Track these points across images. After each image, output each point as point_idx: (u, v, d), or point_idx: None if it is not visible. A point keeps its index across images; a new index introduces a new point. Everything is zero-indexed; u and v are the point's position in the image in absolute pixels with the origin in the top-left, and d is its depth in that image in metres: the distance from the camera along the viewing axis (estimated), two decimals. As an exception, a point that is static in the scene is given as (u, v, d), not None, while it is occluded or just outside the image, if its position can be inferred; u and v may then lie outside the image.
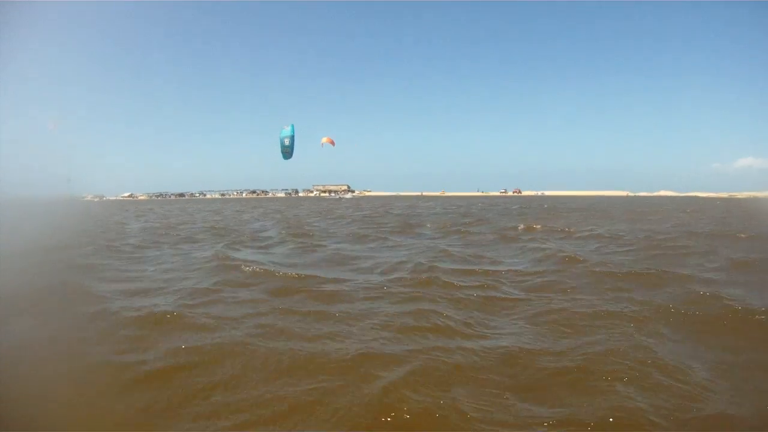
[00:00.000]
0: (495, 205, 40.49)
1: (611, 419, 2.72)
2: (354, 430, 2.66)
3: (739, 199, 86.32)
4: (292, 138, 15.50)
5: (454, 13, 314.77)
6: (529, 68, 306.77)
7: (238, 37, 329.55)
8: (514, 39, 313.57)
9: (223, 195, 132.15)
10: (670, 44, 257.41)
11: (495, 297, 5.63)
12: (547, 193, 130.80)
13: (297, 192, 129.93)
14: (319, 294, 5.87)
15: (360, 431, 2.65)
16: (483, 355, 3.69)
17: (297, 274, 6.94)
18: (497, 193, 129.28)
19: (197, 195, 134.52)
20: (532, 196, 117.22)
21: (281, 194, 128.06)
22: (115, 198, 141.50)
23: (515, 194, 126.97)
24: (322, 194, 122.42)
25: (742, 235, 12.75)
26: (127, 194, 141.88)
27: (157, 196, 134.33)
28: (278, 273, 7.04)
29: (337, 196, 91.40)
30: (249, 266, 7.46)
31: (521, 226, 15.74)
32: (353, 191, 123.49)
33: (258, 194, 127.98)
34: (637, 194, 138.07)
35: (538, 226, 15.57)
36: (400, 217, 23.12)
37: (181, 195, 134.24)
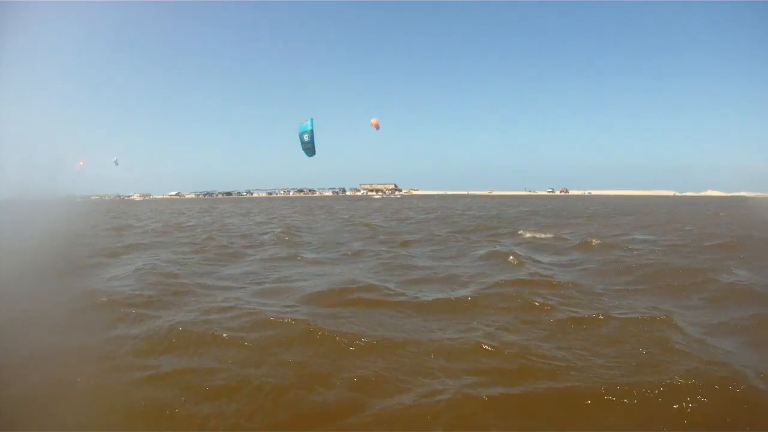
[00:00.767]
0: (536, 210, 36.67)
1: None
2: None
3: None
4: (311, 133, 14.60)
5: (506, 11, 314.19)
6: (581, 67, 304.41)
7: (291, 34, 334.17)
8: (567, 38, 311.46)
9: (270, 194, 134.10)
10: (717, 43, 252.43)
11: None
12: (594, 192, 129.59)
13: (344, 191, 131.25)
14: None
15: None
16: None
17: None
18: (544, 192, 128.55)
19: (244, 194, 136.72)
20: (578, 195, 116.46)
21: (328, 193, 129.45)
22: (161, 197, 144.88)
23: (562, 194, 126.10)
24: (370, 193, 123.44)
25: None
26: (174, 193, 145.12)
27: (205, 195, 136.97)
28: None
29: (388, 196, 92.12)
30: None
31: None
32: (400, 190, 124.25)
33: (305, 193, 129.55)
34: (684, 194, 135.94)
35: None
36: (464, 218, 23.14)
37: (228, 194, 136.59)
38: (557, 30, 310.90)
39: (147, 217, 28.25)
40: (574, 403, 3.16)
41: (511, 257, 8.84)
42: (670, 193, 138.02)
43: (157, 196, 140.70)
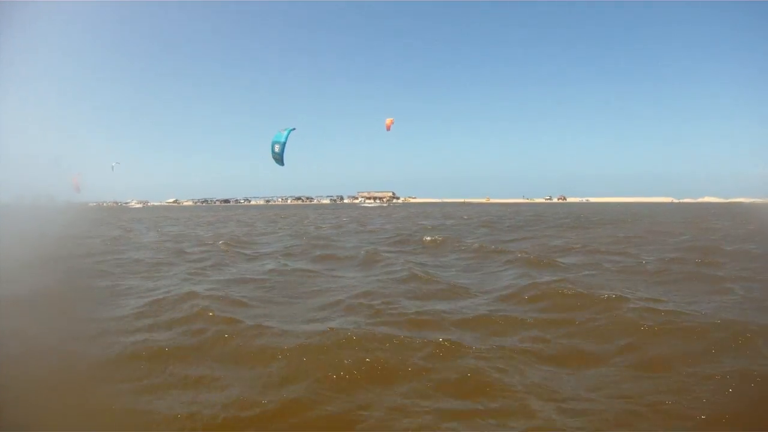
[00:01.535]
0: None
1: None
2: None
3: None
4: (283, 146, 13.77)
5: (503, 17, 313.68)
6: (577, 73, 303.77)
7: (289, 41, 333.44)
8: (558, 44, 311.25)
9: (267, 201, 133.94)
10: (713, 47, 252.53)
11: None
12: (592, 199, 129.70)
13: (342, 198, 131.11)
14: None
15: None
16: None
17: None
18: (542, 200, 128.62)
19: (242, 201, 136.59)
20: (576, 202, 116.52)
21: (326, 201, 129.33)
22: (159, 203, 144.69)
23: (560, 201, 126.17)
24: (367, 201, 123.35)
25: None
26: (171, 200, 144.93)
27: (202, 202, 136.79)
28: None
29: (384, 204, 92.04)
30: None
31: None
32: (398, 198, 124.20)
33: (303, 201, 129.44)
34: (681, 200, 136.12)
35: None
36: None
37: (226, 201, 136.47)
38: (555, 36, 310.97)
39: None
40: None
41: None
42: (668, 199, 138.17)
43: (155, 203, 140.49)
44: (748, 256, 10.54)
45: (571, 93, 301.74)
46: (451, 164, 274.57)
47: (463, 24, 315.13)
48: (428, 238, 15.06)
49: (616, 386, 3.69)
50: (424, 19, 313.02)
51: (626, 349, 4.44)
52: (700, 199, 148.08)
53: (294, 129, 13.97)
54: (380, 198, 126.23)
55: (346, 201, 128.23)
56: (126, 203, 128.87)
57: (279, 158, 13.90)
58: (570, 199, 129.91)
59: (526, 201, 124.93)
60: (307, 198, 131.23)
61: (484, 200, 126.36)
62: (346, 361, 4.04)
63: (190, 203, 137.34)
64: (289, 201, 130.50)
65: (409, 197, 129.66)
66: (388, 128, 24.20)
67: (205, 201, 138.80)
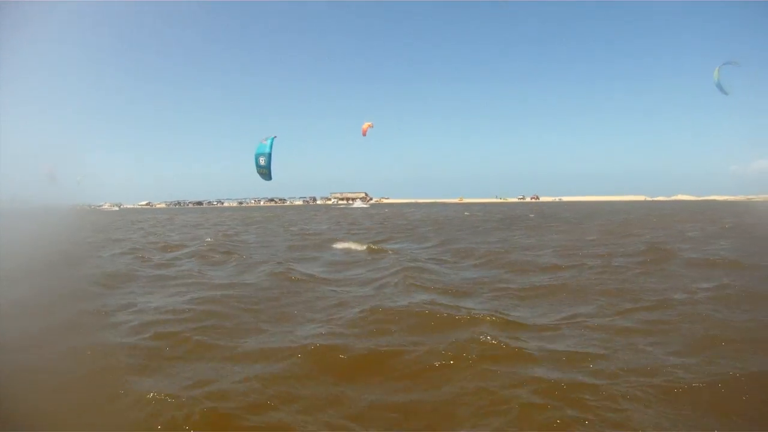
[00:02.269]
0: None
1: None
2: None
3: (756, 203, 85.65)
4: (269, 157, 12.57)
5: (468, 13, 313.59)
6: (551, 71, 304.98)
7: (258, 42, 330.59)
8: (534, 42, 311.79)
9: (241, 203, 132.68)
10: (686, 45, 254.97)
11: None
12: (565, 198, 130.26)
13: (315, 199, 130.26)
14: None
15: None
16: None
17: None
18: (515, 200, 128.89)
19: (215, 203, 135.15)
20: (549, 202, 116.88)
21: (299, 202, 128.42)
22: (132, 206, 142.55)
23: (533, 200, 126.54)
24: (340, 202, 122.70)
25: None
26: (144, 202, 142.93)
27: (175, 204, 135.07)
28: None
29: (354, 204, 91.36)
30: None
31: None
32: (371, 198, 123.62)
33: (276, 202, 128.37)
34: (655, 198, 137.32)
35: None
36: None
37: (199, 203, 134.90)
38: (527, 35, 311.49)
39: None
40: None
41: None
42: (642, 197, 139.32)
43: (129, 206, 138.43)
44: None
45: (546, 92, 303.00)
46: (425, 165, 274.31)
47: (431, 22, 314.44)
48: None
49: None
50: (391, 18, 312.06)
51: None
52: (673, 197, 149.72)
53: (275, 137, 12.79)
54: (352, 199, 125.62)
55: (319, 202, 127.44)
56: (99, 206, 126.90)
57: (266, 172, 12.78)
58: (543, 199, 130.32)
59: (500, 201, 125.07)
60: (280, 199, 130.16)
61: (457, 200, 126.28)
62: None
63: (163, 205, 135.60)
64: (262, 202, 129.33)
65: (383, 198, 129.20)
66: (364, 133, 23.32)
67: (179, 203, 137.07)
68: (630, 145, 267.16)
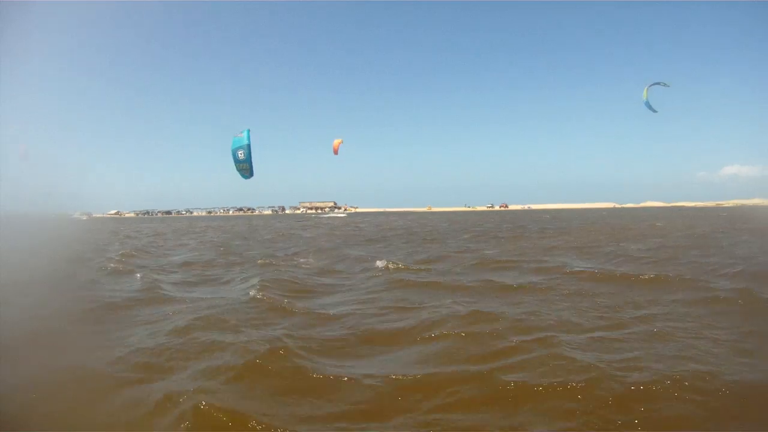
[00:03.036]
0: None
1: None
2: None
3: (726, 208, 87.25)
4: (248, 149, 11.48)
5: (435, 20, 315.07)
6: (521, 80, 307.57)
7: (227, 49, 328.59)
8: (498, 49, 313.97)
9: (209, 212, 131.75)
10: (654, 53, 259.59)
11: None
12: (534, 206, 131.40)
13: (284, 209, 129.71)
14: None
15: None
16: None
17: None
18: (484, 208, 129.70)
19: (184, 212, 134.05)
20: (518, 210, 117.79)
21: (268, 212, 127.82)
22: (102, 215, 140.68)
23: (502, 209, 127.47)
24: (309, 211, 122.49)
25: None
26: (113, 212, 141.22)
27: (144, 214, 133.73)
28: None
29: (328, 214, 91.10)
30: None
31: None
32: (339, 207, 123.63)
33: (245, 211, 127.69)
34: (624, 206, 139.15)
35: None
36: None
37: (168, 213, 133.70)
38: (494, 43, 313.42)
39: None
40: None
41: None
42: (611, 205, 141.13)
43: (98, 215, 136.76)
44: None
45: (516, 101, 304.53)
46: (392, 174, 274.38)
47: (398, 29, 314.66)
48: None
49: None
50: (359, 25, 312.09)
51: None
52: (642, 204, 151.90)
53: (249, 130, 11.90)
54: (321, 208, 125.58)
55: (288, 211, 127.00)
56: (69, 215, 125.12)
57: (247, 167, 11.65)
58: (512, 207, 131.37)
59: (468, 209, 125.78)
60: (249, 209, 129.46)
61: (425, 209, 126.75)
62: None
63: (132, 215, 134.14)
64: (231, 212, 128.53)
65: (352, 207, 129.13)
66: (336, 152, 22.51)
67: (147, 213, 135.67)
68: (597, 153, 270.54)
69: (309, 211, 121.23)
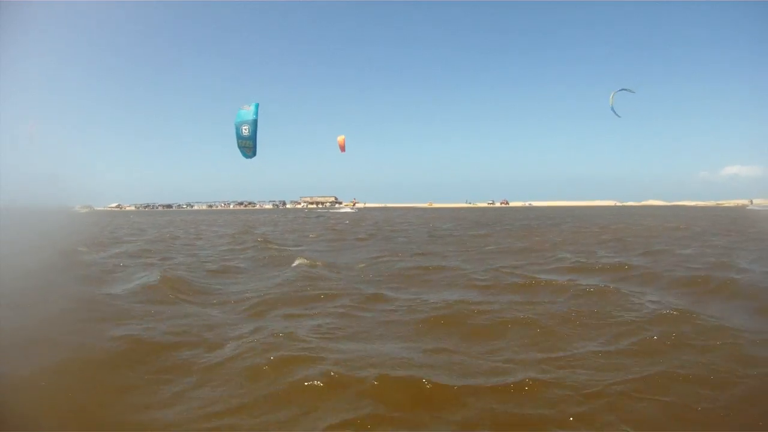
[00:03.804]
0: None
1: None
2: None
3: (725, 208, 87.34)
4: (254, 125, 10.49)
5: (439, 18, 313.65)
6: (524, 77, 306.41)
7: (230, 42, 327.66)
8: (498, 47, 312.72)
9: (210, 206, 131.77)
10: (656, 52, 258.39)
11: None
12: (535, 203, 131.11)
13: (284, 203, 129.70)
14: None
15: None
16: None
17: None
18: (485, 204, 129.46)
19: (185, 206, 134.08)
20: (519, 207, 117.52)
21: (269, 206, 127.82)
22: (103, 208, 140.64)
23: (503, 205, 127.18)
24: (310, 205, 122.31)
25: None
26: (114, 205, 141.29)
27: (145, 207, 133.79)
28: None
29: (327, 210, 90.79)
30: None
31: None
32: (340, 202, 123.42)
33: (245, 205, 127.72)
34: (625, 204, 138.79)
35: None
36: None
37: (169, 206, 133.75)
38: (494, 40, 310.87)
39: None
40: None
41: None
42: (612, 203, 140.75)
43: (99, 208, 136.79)
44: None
45: (520, 98, 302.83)
46: (394, 169, 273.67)
47: (399, 25, 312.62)
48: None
49: None
50: (360, 23, 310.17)
51: None
52: (643, 202, 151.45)
53: (258, 103, 10.78)
54: (322, 203, 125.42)
55: (288, 206, 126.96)
56: (71, 209, 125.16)
57: (251, 145, 10.66)
58: (513, 203, 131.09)
59: (469, 206, 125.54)
60: (249, 203, 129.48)
61: (426, 205, 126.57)
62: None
63: (133, 208, 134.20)
64: (231, 206, 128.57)
65: (360, 202, 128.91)
66: (343, 149, 22.19)
67: (148, 206, 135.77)
68: (600, 151, 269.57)
69: (310, 206, 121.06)
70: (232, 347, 4.23)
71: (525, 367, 3.72)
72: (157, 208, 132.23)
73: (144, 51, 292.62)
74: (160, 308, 5.79)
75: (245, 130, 10.62)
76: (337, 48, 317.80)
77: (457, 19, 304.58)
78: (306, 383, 3.35)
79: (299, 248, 13.88)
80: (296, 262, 9.51)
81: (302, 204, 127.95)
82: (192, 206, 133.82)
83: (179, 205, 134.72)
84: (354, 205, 71.32)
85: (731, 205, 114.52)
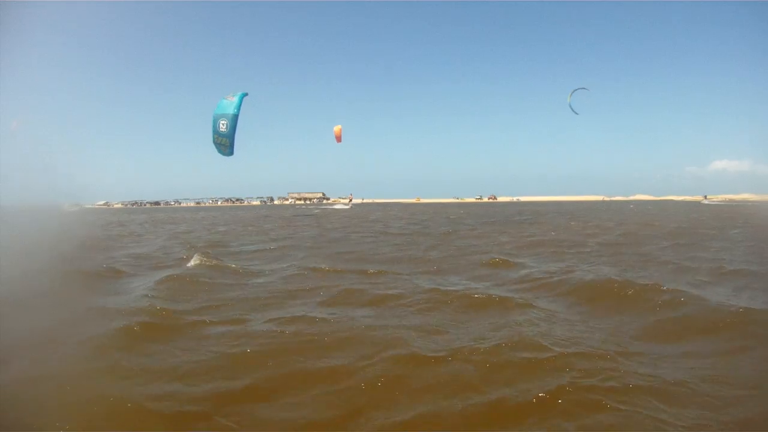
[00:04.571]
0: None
1: None
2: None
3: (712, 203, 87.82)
4: (235, 120, 9.06)
5: (428, 14, 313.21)
6: (510, 72, 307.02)
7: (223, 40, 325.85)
8: (489, 42, 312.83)
9: (198, 203, 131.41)
10: (643, 47, 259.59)
11: None
12: (523, 198, 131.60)
13: (272, 200, 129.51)
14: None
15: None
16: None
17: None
18: (473, 200, 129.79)
19: (172, 203, 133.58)
20: (507, 202, 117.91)
21: (256, 202, 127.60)
22: (91, 206, 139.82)
23: (490, 200, 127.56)
24: (297, 202, 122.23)
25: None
26: (102, 202, 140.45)
27: (132, 204, 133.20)
28: None
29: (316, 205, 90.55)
30: None
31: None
32: (328, 198, 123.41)
33: (233, 202, 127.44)
34: (612, 198, 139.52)
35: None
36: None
37: (156, 203, 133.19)
38: (483, 35, 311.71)
39: None
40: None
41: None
42: (600, 197, 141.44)
43: (88, 206, 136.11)
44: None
45: (507, 93, 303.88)
46: (381, 165, 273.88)
47: (387, 21, 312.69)
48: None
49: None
50: (349, 18, 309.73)
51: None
52: (631, 197, 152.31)
53: (246, 95, 9.34)
54: (309, 199, 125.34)
55: (276, 202, 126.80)
56: (60, 206, 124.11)
57: (228, 143, 9.25)
58: (501, 198, 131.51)
59: (457, 201, 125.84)
60: (237, 199, 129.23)
61: (414, 200, 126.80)
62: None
63: (120, 206, 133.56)
64: (219, 203, 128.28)
65: (339, 198, 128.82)
66: (339, 139, 21.21)
67: (136, 203, 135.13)
68: (588, 146, 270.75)
69: (298, 202, 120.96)
70: None
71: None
72: (144, 205, 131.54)
73: (132, 46, 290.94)
74: None
75: (223, 126, 9.21)
76: (322, 42, 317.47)
77: (445, 12, 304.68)
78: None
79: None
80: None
81: (290, 200, 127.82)
82: (180, 203, 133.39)
83: (167, 202, 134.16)
84: (350, 201, 70.96)
85: (719, 199, 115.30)
